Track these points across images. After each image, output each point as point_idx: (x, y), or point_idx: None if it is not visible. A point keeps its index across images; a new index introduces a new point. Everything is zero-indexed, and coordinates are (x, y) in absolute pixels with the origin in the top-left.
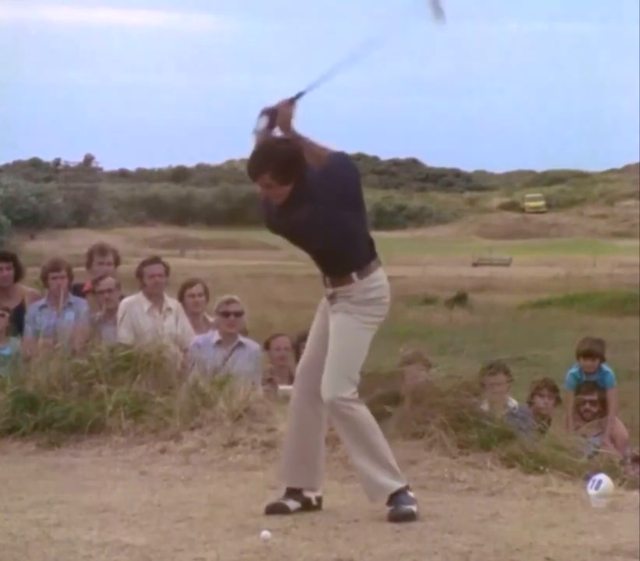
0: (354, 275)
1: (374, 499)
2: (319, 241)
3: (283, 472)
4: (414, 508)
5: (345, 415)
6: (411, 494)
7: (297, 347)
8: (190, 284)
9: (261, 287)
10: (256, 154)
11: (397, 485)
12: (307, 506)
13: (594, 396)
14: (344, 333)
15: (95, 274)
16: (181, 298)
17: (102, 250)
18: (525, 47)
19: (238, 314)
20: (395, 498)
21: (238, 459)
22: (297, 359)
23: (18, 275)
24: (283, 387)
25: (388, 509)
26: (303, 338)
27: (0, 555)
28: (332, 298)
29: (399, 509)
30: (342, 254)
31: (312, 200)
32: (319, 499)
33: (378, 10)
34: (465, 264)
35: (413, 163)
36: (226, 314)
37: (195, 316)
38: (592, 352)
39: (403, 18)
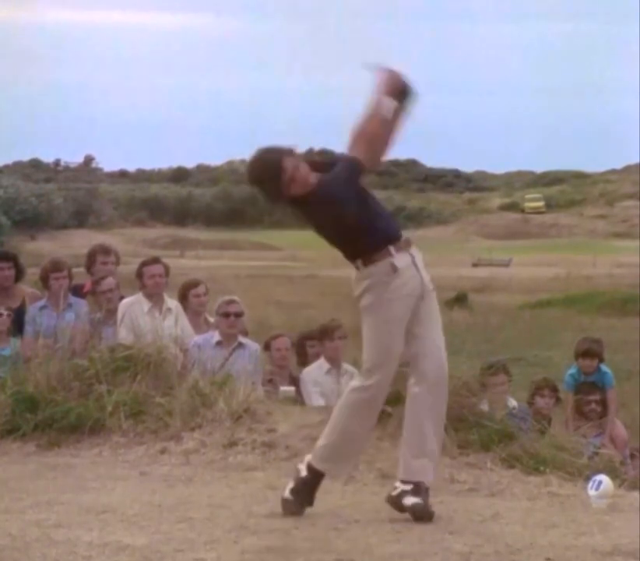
0: None
1: (408, 477)
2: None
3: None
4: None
5: (445, 393)
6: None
7: (302, 347)
8: (194, 284)
9: (261, 288)
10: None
11: (430, 477)
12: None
13: (597, 396)
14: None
15: (98, 274)
16: (183, 298)
17: (105, 250)
18: (525, 47)
19: (238, 315)
20: (423, 490)
21: (238, 459)
22: (299, 360)
23: (18, 275)
24: (283, 388)
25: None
26: (305, 338)
27: (0, 555)
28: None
29: (414, 505)
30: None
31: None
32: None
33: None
34: (465, 264)
35: (413, 163)
36: (226, 315)
37: (197, 316)
38: (590, 352)
39: None
